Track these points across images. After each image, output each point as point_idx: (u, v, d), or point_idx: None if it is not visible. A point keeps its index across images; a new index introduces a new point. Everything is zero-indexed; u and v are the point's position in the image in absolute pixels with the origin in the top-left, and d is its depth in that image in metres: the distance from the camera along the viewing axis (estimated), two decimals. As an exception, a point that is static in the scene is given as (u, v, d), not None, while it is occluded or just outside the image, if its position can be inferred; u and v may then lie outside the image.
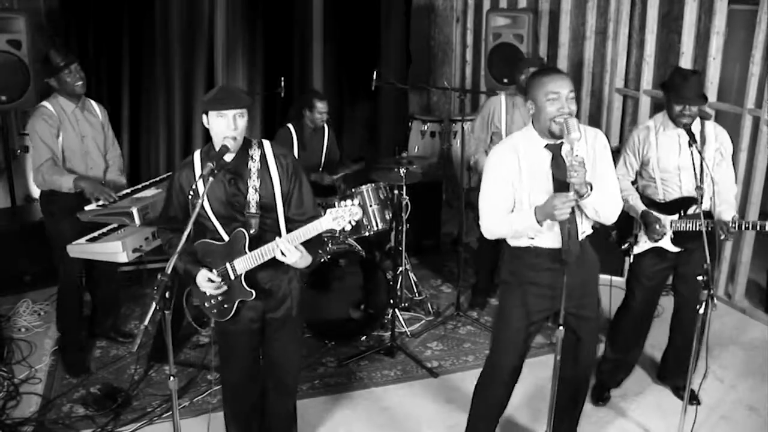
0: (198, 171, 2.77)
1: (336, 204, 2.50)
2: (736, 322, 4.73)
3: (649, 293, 3.69)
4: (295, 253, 2.70)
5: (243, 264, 2.79)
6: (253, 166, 2.79)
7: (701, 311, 2.90)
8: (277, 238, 2.72)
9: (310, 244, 2.76)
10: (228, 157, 2.75)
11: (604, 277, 4.82)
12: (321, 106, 4.78)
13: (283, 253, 2.69)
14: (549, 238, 2.84)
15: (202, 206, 2.75)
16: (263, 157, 2.82)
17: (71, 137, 3.90)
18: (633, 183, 3.67)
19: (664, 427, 3.62)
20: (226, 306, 2.87)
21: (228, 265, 2.81)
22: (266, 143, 2.87)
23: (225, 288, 2.82)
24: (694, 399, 3.73)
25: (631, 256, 3.62)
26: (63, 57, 3.84)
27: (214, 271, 2.81)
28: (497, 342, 3.11)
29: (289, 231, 2.80)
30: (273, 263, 2.77)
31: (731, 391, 3.93)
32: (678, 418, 3.21)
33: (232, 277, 2.82)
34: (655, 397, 3.88)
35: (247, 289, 2.82)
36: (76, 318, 4.12)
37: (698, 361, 3.10)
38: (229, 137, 2.67)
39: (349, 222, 2.64)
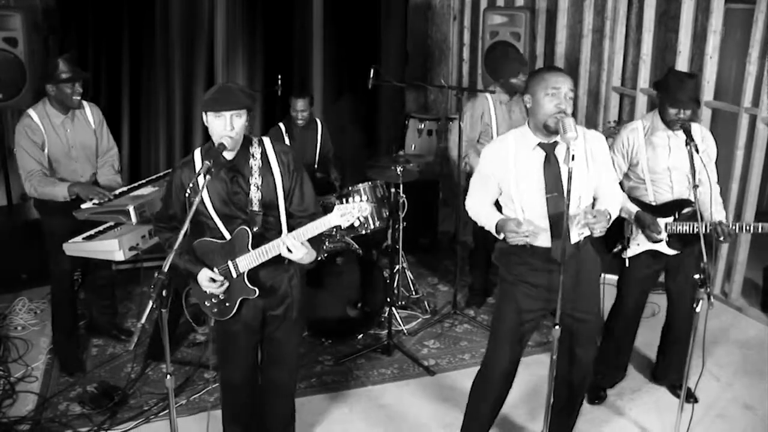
0: (198, 169, 2.75)
1: (334, 202, 2.52)
2: (732, 321, 4.74)
3: (641, 295, 3.69)
4: (301, 249, 2.70)
5: (246, 262, 2.78)
6: (255, 164, 2.78)
7: (698, 309, 2.90)
8: (283, 234, 2.71)
9: (313, 240, 2.76)
10: (229, 155, 2.75)
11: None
12: (298, 104, 4.80)
13: (289, 250, 2.69)
14: (542, 237, 2.84)
15: (204, 205, 2.75)
16: (264, 154, 2.81)
17: (57, 148, 3.83)
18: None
19: (660, 425, 3.62)
20: (227, 305, 2.86)
21: (230, 263, 2.80)
22: (266, 140, 2.86)
23: (227, 286, 2.82)
24: (690, 397, 3.72)
25: (627, 261, 3.58)
26: (72, 71, 3.76)
27: (215, 269, 2.81)
28: (492, 341, 3.11)
29: (290, 226, 2.80)
30: (274, 261, 2.77)
31: (728, 389, 3.94)
32: (674, 416, 3.22)
33: (234, 276, 2.81)
34: (652, 396, 3.89)
35: (250, 287, 2.81)
36: (70, 315, 4.11)
37: (694, 359, 3.10)
38: (226, 137, 2.66)
39: (358, 218, 2.65)
